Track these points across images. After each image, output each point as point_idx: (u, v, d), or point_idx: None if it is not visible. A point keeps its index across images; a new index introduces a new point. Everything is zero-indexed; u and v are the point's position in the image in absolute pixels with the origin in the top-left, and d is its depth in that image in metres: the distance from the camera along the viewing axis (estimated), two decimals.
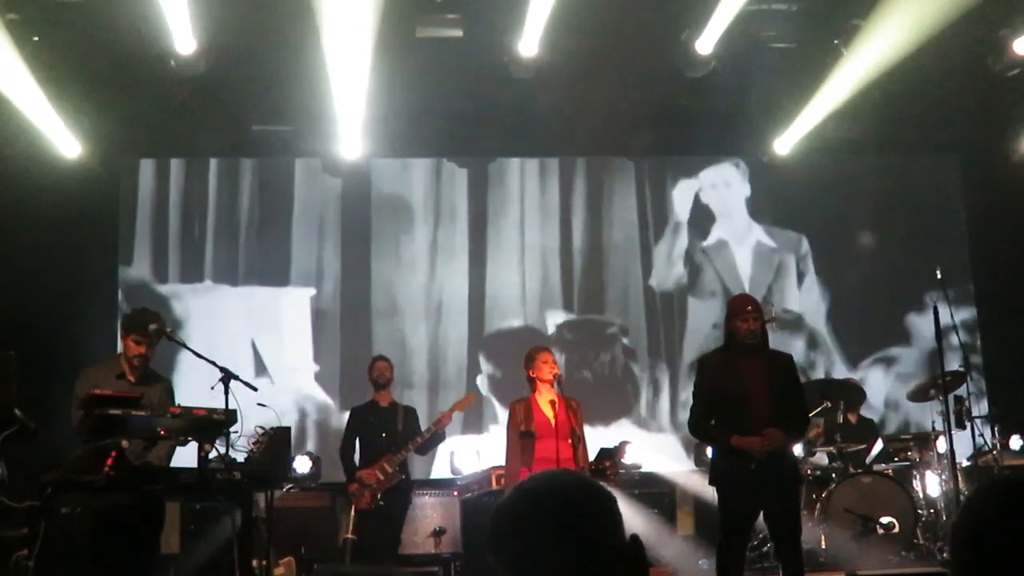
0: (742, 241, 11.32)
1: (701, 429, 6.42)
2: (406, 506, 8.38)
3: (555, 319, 11.05)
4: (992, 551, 1.84)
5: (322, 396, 10.51)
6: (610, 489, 1.91)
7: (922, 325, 10.86)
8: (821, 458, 9.09)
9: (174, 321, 10.05)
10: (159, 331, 6.13)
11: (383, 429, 8.30)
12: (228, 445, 5.65)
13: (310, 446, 10.15)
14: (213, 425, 5.57)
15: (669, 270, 11.18)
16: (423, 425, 8.43)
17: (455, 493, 9.15)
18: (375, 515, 8.06)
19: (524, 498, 1.87)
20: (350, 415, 8.68)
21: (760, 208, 11.38)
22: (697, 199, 11.36)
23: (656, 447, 10.47)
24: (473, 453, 9.86)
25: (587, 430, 7.43)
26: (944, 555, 8.09)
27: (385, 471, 8.10)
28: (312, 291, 10.88)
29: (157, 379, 6.37)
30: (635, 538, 1.83)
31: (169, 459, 6.08)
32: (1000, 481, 2.03)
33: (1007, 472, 8.51)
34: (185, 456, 6.00)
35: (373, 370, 8.55)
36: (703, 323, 10.98)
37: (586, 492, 1.87)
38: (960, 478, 8.27)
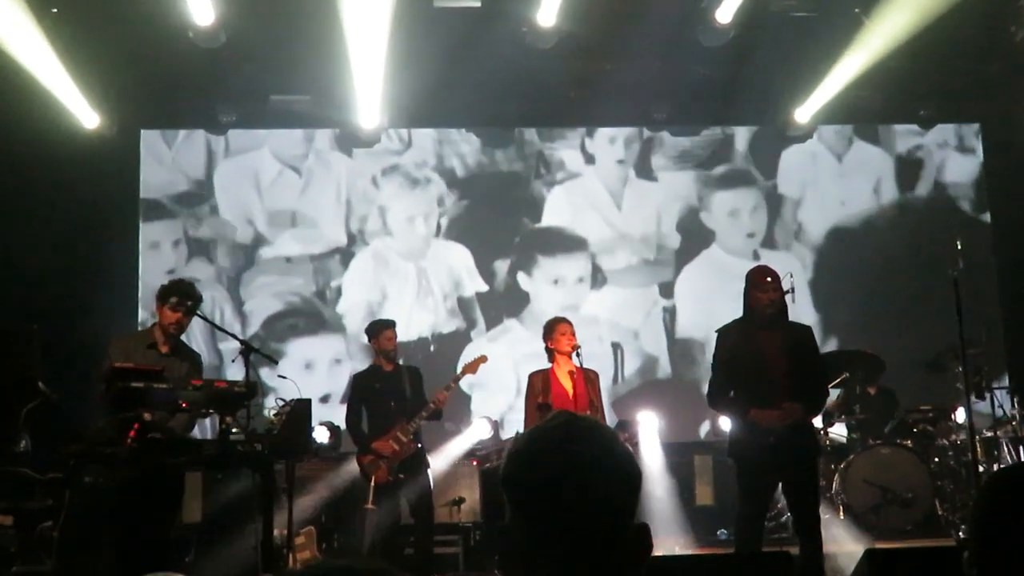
0: (758, 208, 11.26)
1: (719, 401, 6.38)
2: (426, 475, 7.88)
3: (575, 289, 11.04)
4: (1009, 537, 1.83)
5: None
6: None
7: (942, 295, 10.77)
8: (840, 429, 9.09)
9: None
10: (189, 303, 6.13)
11: (391, 396, 7.79)
12: (249, 417, 5.70)
13: (330, 417, 10.18)
14: (234, 398, 5.62)
15: (692, 237, 11.15)
16: (427, 387, 8.01)
17: (474, 463, 9.17)
18: (395, 487, 7.66)
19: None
20: (353, 381, 8.20)
21: (774, 175, 11.33)
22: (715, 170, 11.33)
23: (674, 417, 10.46)
24: (492, 423, 9.83)
25: (604, 399, 7.42)
26: (962, 528, 8.09)
27: (400, 441, 7.63)
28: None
29: (186, 352, 6.37)
30: (643, 528, 1.75)
31: (191, 428, 6.13)
32: (1018, 466, 2.03)
33: None
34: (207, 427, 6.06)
35: (383, 338, 7.94)
36: (722, 293, 10.93)
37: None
38: (979, 449, 8.25)
